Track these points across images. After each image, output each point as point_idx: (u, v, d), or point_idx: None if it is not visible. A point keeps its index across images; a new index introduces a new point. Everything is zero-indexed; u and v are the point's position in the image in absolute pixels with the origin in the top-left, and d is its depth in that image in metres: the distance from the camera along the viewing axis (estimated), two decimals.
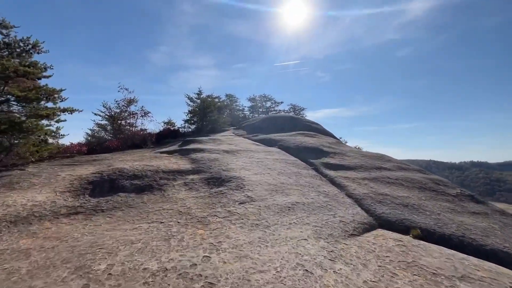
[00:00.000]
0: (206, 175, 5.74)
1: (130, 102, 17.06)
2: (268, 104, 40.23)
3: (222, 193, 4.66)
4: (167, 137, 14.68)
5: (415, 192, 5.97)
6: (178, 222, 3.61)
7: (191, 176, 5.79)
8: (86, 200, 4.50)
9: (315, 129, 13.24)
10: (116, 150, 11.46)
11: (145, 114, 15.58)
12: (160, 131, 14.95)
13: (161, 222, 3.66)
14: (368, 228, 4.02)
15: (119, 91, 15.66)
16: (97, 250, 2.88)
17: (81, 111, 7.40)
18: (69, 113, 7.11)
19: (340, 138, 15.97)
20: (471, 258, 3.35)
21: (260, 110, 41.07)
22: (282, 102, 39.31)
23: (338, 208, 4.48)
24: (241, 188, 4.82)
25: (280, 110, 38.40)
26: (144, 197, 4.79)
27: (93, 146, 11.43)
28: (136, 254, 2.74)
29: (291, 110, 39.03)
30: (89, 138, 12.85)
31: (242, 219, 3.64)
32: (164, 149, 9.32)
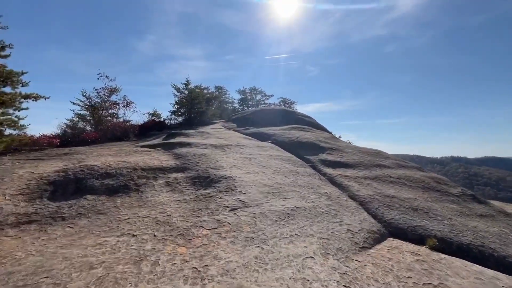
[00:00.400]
0: (192, 174, 5.03)
1: (112, 91, 15.85)
2: (258, 97, 39.42)
3: (210, 197, 3.99)
4: (152, 129, 13.73)
5: (420, 192, 5.53)
6: (155, 236, 2.92)
7: (174, 175, 5.07)
8: (43, 205, 3.70)
9: (309, 123, 12.67)
10: (94, 143, 10.47)
11: (128, 104, 14.47)
12: (144, 123, 13.95)
13: (134, 235, 2.95)
14: (379, 238, 3.48)
15: (99, 79, 14.41)
16: (41, 279, 2.16)
17: (48, 97, 6.43)
18: (33, 100, 6.13)
19: (331, 132, 15.52)
20: (501, 276, 2.87)
21: (250, 103, 40.24)
22: (272, 95, 38.52)
23: (343, 214, 3.92)
24: (232, 190, 4.16)
25: (270, 103, 37.72)
26: (117, 200, 4.04)
27: (68, 138, 10.36)
28: (92, 287, 2.04)
29: (282, 103, 38.47)
30: (66, 129, 11.67)
31: (234, 231, 3.00)
32: (146, 143, 8.48)
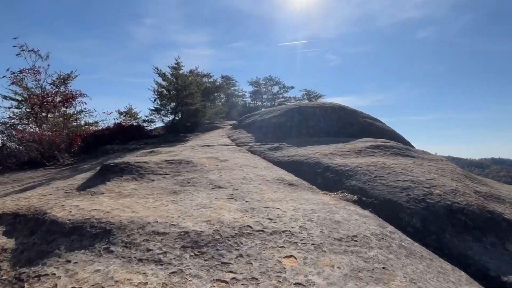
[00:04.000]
0: None
1: (63, 80, 11.22)
2: (275, 89, 34.28)
3: None
4: (113, 139, 9.03)
5: None
6: None
7: None
8: None
9: (383, 130, 7.57)
10: None
11: (71, 97, 9.74)
12: (94, 131, 9.27)
13: None
14: None
15: (18, 55, 9.69)
16: None
17: None
18: None
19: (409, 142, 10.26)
20: None
21: (265, 96, 35.15)
22: (293, 87, 33.25)
23: None
24: None
25: (290, 97, 32.77)
26: None
27: None
28: None
29: (305, 96, 33.41)
30: None
31: None
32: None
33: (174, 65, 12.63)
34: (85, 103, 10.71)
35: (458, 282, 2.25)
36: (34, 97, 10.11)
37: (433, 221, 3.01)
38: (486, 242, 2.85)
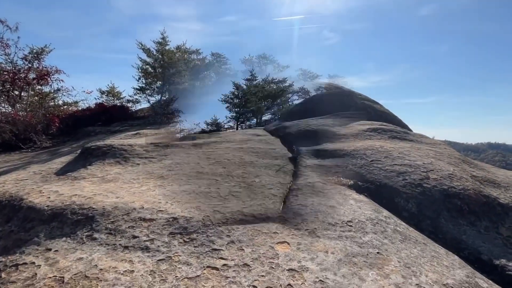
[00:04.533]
0: None
1: (36, 54, 10.64)
2: (270, 68, 33.54)
3: None
4: (95, 120, 8.79)
5: None
6: None
7: None
8: None
9: (381, 113, 7.62)
10: None
11: (45, 74, 9.30)
12: (73, 113, 8.98)
13: None
14: None
15: None
16: None
17: None
18: None
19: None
20: None
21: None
22: (288, 67, 32.58)
23: None
24: None
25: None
26: None
27: None
28: None
29: (300, 77, 32.94)
30: None
31: None
32: None
33: (160, 40, 12.16)
34: (62, 80, 10.31)
35: (451, 266, 2.34)
36: (5, 73, 9.66)
37: (429, 206, 3.09)
38: (480, 227, 2.96)
